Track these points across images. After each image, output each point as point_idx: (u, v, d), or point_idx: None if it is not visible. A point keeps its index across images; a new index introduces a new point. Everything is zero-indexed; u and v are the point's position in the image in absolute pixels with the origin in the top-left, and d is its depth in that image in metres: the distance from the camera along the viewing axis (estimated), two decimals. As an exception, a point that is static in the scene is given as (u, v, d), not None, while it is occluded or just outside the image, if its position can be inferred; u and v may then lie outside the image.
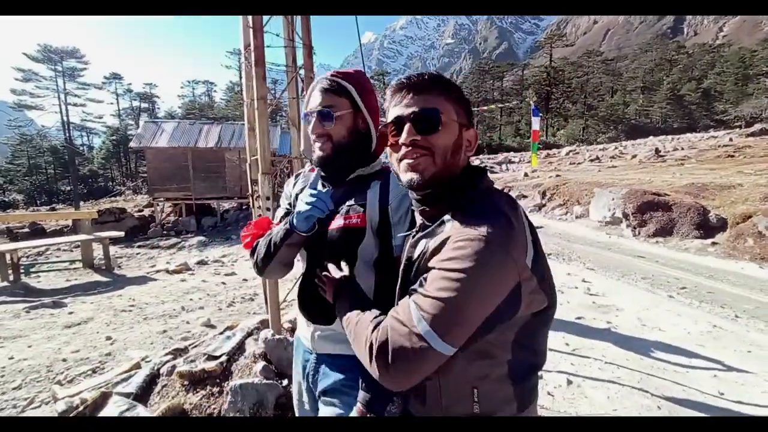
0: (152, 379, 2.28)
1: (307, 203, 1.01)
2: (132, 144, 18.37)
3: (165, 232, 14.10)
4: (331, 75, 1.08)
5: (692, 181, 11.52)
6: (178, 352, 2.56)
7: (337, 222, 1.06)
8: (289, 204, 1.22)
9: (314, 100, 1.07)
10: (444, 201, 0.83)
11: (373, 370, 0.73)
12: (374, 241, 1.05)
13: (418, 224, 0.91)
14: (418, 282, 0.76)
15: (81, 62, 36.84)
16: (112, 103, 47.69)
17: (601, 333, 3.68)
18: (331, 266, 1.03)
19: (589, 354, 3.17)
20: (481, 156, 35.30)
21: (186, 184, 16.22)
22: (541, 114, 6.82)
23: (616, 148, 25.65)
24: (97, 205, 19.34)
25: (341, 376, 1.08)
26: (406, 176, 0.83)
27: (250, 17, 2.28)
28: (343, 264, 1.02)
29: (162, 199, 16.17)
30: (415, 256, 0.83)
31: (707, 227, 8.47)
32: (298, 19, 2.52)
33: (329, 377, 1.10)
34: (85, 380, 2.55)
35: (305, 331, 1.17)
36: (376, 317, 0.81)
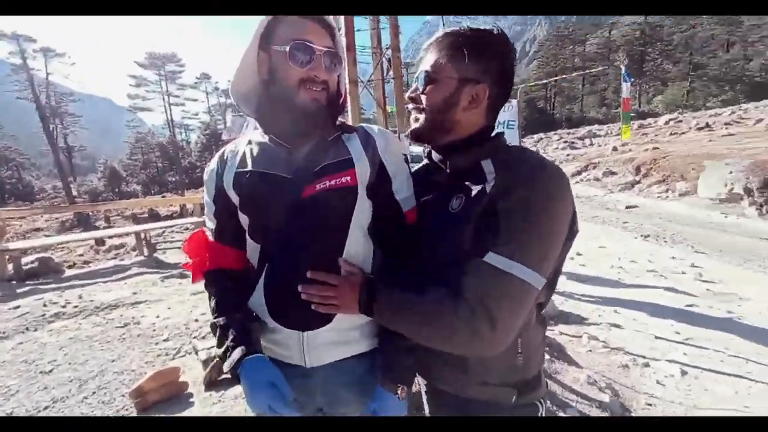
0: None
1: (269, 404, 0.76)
2: (223, 137, 20.56)
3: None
4: None
5: None
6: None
7: (319, 185, 0.83)
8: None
9: None
10: (469, 150, 0.84)
11: (473, 343, 0.68)
12: (368, 201, 0.87)
13: (438, 176, 0.90)
14: (485, 229, 0.72)
15: (179, 65, 41.87)
16: (203, 102, 53.44)
17: (721, 323, 3.26)
18: (319, 273, 0.81)
19: (707, 345, 2.85)
20: (560, 131, 32.36)
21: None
22: (632, 79, 6.06)
23: (733, 112, 21.55)
24: (198, 192, 22.19)
25: (357, 381, 0.89)
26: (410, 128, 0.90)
27: None
28: (341, 260, 0.84)
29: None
30: (458, 206, 0.80)
31: None
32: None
33: (345, 389, 0.89)
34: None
35: (284, 347, 0.87)
36: (442, 290, 0.73)
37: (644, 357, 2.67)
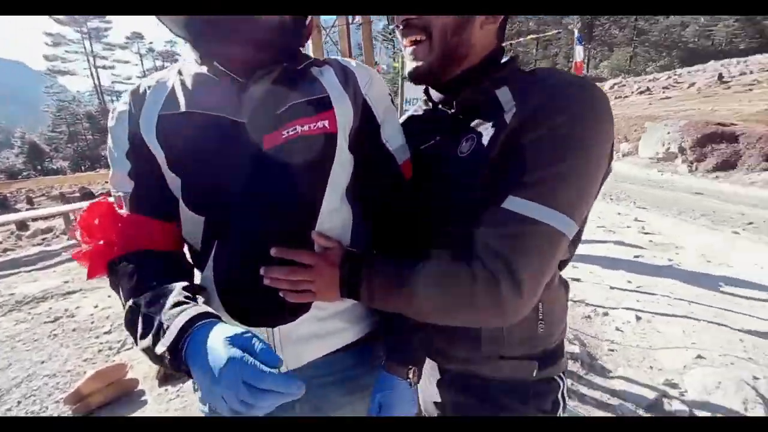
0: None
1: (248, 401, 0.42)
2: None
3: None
4: None
5: (766, 107, 10.26)
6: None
7: (285, 132, 0.62)
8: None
9: None
10: (481, 80, 0.66)
11: (495, 310, 0.55)
12: (349, 155, 0.68)
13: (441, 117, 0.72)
14: (505, 170, 0.58)
15: (104, 22, 36.65)
16: (137, 64, 47.88)
17: (664, 270, 3.51)
18: (286, 251, 0.63)
19: (655, 291, 3.05)
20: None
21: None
22: (584, 43, 6.09)
23: (669, 77, 23.02)
24: None
25: (347, 378, 0.73)
26: (407, 67, 0.69)
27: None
28: (315, 233, 0.65)
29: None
30: (469, 149, 0.63)
31: (780, 157, 7.65)
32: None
33: (334, 389, 0.72)
34: (166, 322, 2.76)
35: None
36: (447, 253, 0.59)
37: (603, 307, 2.80)
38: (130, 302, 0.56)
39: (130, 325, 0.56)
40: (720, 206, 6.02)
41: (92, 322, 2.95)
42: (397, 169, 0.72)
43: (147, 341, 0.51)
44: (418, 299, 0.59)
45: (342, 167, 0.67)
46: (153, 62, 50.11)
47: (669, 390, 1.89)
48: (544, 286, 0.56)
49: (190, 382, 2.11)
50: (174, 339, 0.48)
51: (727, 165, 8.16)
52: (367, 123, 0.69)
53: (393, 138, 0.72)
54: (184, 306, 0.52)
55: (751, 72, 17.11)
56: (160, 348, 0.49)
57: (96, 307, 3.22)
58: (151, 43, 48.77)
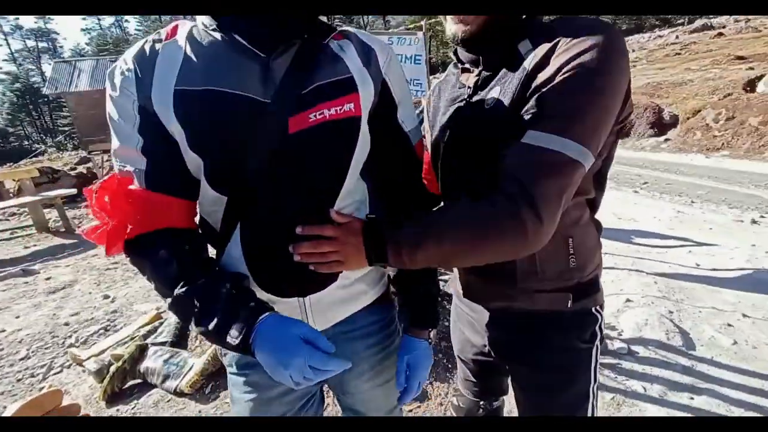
0: (183, 327, 2.21)
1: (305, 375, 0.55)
2: (46, 91, 15.84)
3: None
4: None
5: (647, 81, 11.95)
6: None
7: (312, 116, 0.61)
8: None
9: None
10: (506, 35, 0.68)
11: (519, 236, 0.57)
12: (368, 135, 0.69)
13: (469, 76, 0.75)
14: (525, 109, 0.61)
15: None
16: (1, 45, 39.40)
17: (588, 229, 3.99)
18: (311, 228, 0.65)
19: (584, 248, 3.46)
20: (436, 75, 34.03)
21: (124, 131, 14.55)
22: None
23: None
24: (17, 168, 16.61)
25: (368, 333, 0.80)
26: (452, 29, 0.70)
27: None
28: (333, 212, 0.66)
29: (99, 151, 14.31)
30: (493, 100, 0.66)
31: (661, 125, 9.04)
32: None
33: (360, 342, 0.80)
34: (102, 340, 2.42)
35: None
36: (466, 197, 0.63)
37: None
38: (178, 291, 0.59)
39: (180, 311, 0.62)
40: (621, 169, 6.96)
41: (1, 349, 2.48)
42: (412, 149, 0.76)
43: (209, 329, 0.58)
44: (445, 241, 0.61)
45: (362, 147, 0.69)
46: (23, 41, 41.68)
47: (610, 332, 2.18)
48: (561, 211, 0.59)
49: (145, 398, 1.90)
50: (243, 336, 0.56)
51: (622, 133, 9.42)
52: (385, 103, 0.70)
53: (408, 119, 0.75)
54: (243, 301, 0.60)
55: (633, 51, 19.73)
56: (233, 341, 0.57)
57: (3, 332, 2.70)
58: (16, 19, 40.31)
